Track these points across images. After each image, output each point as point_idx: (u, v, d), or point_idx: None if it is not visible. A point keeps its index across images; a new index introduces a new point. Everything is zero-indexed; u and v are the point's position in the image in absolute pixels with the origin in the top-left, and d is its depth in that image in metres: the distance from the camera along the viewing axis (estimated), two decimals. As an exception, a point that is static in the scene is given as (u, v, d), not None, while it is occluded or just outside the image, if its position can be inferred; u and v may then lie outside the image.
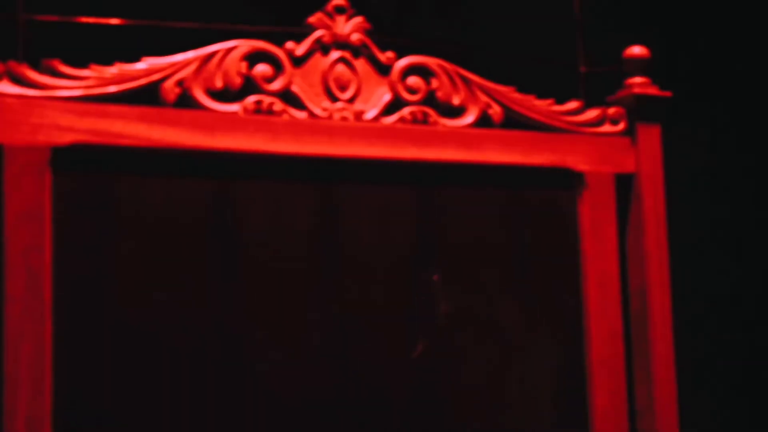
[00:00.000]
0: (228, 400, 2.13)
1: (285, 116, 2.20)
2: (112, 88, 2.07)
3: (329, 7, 2.26)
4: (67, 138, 2.02)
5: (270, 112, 2.18)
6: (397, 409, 2.27)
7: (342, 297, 2.25)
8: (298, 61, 2.23)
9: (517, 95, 2.38)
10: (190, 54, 2.14)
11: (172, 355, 2.10)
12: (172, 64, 2.12)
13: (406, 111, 2.29)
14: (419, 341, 2.29)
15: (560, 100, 2.42)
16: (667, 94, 2.46)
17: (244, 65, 2.17)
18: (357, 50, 2.27)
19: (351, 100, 2.25)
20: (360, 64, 2.27)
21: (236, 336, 2.15)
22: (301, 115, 2.21)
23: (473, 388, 2.33)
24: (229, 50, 2.17)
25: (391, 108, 2.28)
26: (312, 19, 2.25)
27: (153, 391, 2.08)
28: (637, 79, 2.46)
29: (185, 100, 2.13)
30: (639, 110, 2.44)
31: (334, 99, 2.24)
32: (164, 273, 2.11)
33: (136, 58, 2.10)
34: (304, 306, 2.22)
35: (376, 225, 2.29)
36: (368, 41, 2.28)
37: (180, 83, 2.12)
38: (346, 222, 2.27)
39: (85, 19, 2.14)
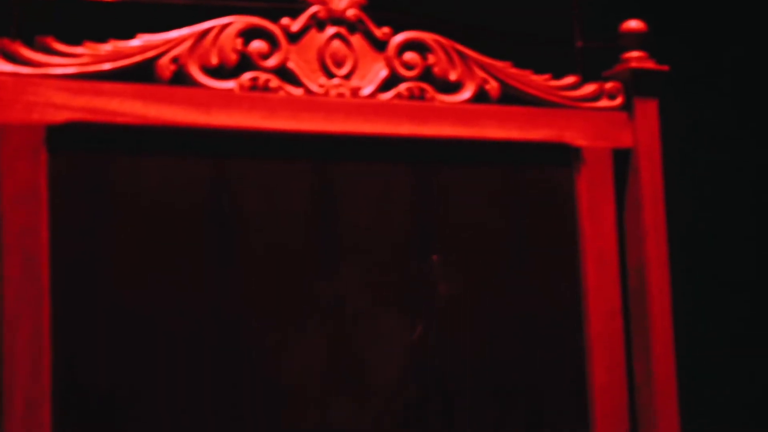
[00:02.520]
0: (225, 384, 2.11)
1: (281, 93, 2.17)
2: (107, 66, 2.04)
3: (325, -18, 2.24)
4: (62, 116, 1.99)
5: (266, 88, 2.16)
6: (396, 393, 2.26)
7: (339, 278, 2.24)
8: (293, 38, 2.21)
9: (514, 70, 2.37)
10: (185, 30, 2.12)
11: (168, 337, 2.08)
12: (167, 41, 2.10)
13: (402, 87, 2.27)
14: (418, 323, 2.27)
15: (557, 75, 2.40)
16: (665, 68, 2.45)
17: (239, 42, 2.15)
18: (353, 26, 2.25)
19: (347, 77, 2.23)
20: (356, 39, 2.25)
21: (233, 319, 2.14)
22: (297, 91, 2.19)
23: (470, 369, 2.32)
24: (225, 26, 2.14)
25: (387, 84, 2.26)
26: (307, -5, 2.23)
27: (150, 373, 2.06)
28: (634, 54, 2.44)
29: (180, 77, 2.10)
30: (636, 85, 2.43)
31: (330, 75, 2.22)
32: (160, 254, 2.09)
33: (130, 35, 2.07)
34: (300, 287, 2.20)
35: (373, 201, 2.27)
36: (364, 17, 2.26)
37: (175, 60, 2.10)
38: (343, 200, 2.25)
39: (78, -4, 2.12)
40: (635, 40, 2.44)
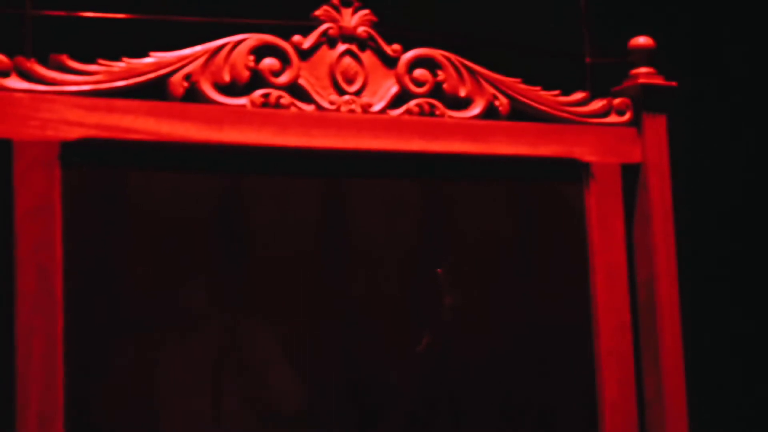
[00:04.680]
0: (236, 395, 2.13)
1: (292, 109, 2.19)
2: (120, 83, 2.06)
3: (335, -1, 2.26)
4: (75, 133, 2.01)
5: (278, 105, 2.18)
6: (402, 402, 2.27)
7: (349, 292, 2.25)
8: (305, 55, 2.22)
9: (523, 86, 2.38)
10: (197, 48, 2.13)
11: (181, 351, 2.09)
12: (180, 58, 2.11)
13: (412, 103, 2.28)
14: (424, 335, 2.28)
15: (566, 91, 2.41)
16: (673, 83, 2.46)
17: (251, 59, 2.17)
18: (363, 43, 2.27)
19: (358, 93, 2.25)
20: (367, 56, 2.27)
21: (245, 331, 2.15)
22: (308, 108, 2.21)
23: (478, 383, 2.33)
24: (237, 44, 2.16)
25: (398, 100, 2.28)
26: (318, 12, 2.24)
27: (164, 386, 2.07)
28: (643, 69, 2.45)
29: (193, 94, 2.12)
30: (645, 100, 2.44)
31: (341, 92, 2.24)
32: (173, 269, 2.11)
33: (143, 53, 2.09)
34: (311, 301, 2.22)
35: (383, 218, 2.29)
36: (375, 34, 2.27)
37: (188, 77, 2.11)
38: (353, 215, 2.27)
39: (92, 14, 2.14)
40: (644, 56, 2.45)
